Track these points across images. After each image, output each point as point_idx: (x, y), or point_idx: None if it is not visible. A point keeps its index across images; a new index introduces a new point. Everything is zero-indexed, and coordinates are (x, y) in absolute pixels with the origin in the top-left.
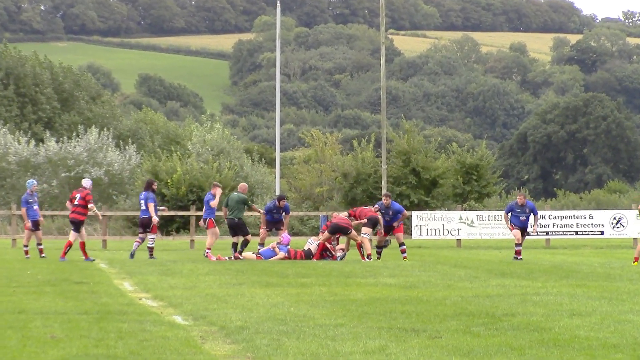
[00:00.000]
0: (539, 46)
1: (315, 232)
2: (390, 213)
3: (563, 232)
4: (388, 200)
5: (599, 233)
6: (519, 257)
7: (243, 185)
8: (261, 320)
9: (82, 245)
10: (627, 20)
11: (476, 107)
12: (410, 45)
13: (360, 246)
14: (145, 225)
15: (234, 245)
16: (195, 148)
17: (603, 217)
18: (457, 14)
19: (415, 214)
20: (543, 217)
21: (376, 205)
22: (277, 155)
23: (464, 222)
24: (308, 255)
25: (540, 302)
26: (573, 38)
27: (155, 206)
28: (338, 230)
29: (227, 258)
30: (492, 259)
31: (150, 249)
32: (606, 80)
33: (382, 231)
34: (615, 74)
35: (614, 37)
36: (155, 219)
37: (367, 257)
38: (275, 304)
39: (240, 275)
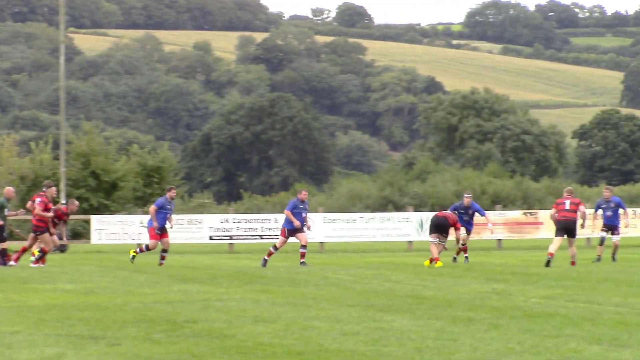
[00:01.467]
0: (224, 45)
1: None
2: (470, 212)
3: (247, 236)
4: (468, 200)
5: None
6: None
7: (7, 189)
8: None
9: None
10: (315, 18)
11: (158, 107)
12: (91, 44)
13: None
14: None
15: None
16: None
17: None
18: (139, 12)
19: (94, 218)
20: (226, 220)
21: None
22: None
23: (145, 227)
24: None
25: (223, 308)
26: (259, 36)
27: None
28: None
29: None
30: (174, 264)
31: None
32: (293, 79)
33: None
34: (303, 73)
35: (301, 35)
36: None
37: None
38: None
39: None
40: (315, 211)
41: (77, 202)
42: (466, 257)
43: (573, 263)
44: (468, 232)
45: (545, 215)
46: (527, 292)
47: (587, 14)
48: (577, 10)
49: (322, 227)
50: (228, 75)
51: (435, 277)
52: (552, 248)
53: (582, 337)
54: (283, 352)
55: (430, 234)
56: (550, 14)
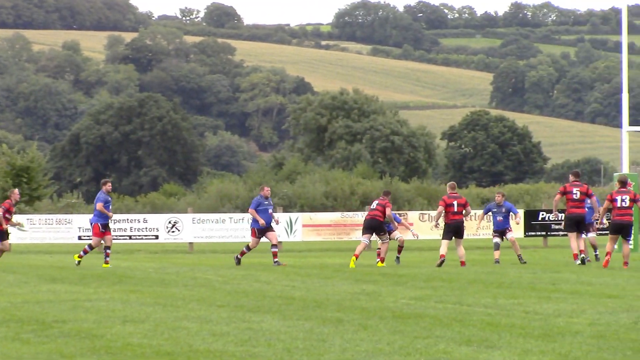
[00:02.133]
0: (93, 44)
1: None
2: (504, 211)
3: (116, 236)
4: (500, 199)
5: (154, 237)
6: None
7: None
8: None
9: None
10: (184, 18)
11: (27, 107)
12: None
13: None
14: None
15: None
16: None
17: (158, 221)
18: (8, 11)
19: None
20: None
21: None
22: None
23: (14, 227)
24: None
25: (92, 308)
26: (128, 36)
27: None
28: None
29: None
30: (43, 264)
31: None
32: (162, 79)
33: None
34: (172, 73)
35: (170, 35)
36: None
37: None
38: None
39: None
40: (185, 211)
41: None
42: (397, 258)
43: (463, 263)
44: (508, 230)
45: (414, 216)
46: (396, 293)
47: (457, 15)
48: (446, 11)
49: (191, 228)
50: (97, 75)
51: (304, 278)
52: (443, 250)
53: (452, 338)
54: (152, 353)
55: (362, 234)
56: (420, 15)
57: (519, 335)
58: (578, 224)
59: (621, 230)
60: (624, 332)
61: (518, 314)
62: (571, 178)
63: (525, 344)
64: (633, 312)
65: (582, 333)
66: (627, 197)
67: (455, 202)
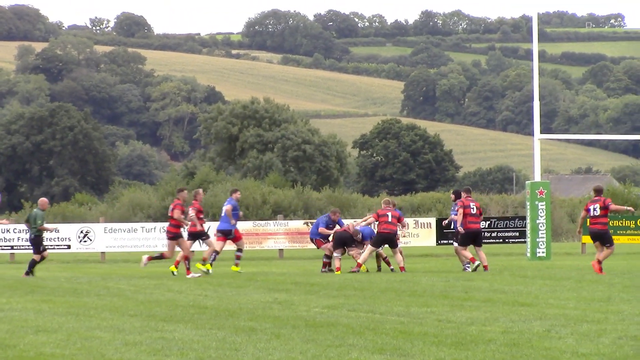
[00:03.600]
0: (4, 55)
1: None
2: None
3: (28, 246)
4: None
5: (66, 247)
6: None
7: (42, 200)
8: None
9: None
10: (94, 28)
11: None
12: None
13: None
14: None
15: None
16: None
17: (70, 230)
18: None
19: None
20: (8, 231)
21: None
22: None
23: None
24: None
25: (4, 318)
26: (39, 46)
27: None
28: None
29: None
30: None
31: None
32: (73, 89)
33: None
34: (83, 83)
35: (81, 45)
36: None
37: None
38: None
39: None
40: (97, 221)
41: None
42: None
43: (402, 269)
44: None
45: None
46: (309, 302)
47: (367, 24)
48: (356, 19)
49: (103, 237)
50: (7, 85)
51: (216, 287)
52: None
53: (365, 346)
54: None
55: (335, 249)
56: (330, 23)
57: (432, 344)
58: (475, 238)
59: (597, 238)
60: (537, 340)
61: (431, 322)
62: (384, 206)
63: (438, 353)
64: (546, 320)
65: (495, 341)
66: (597, 206)
67: (389, 213)
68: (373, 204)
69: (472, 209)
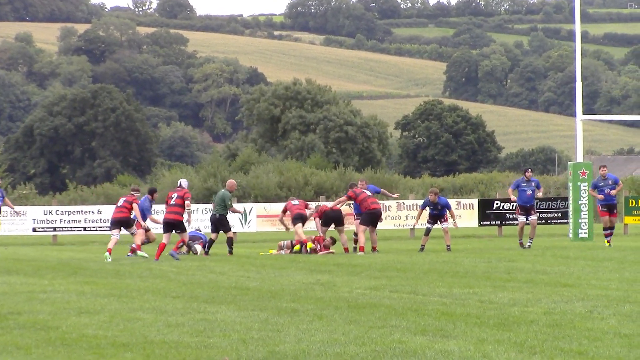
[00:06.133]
0: (46, 36)
1: None
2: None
3: (71, 227)
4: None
5: (109, 229)
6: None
7: (230, 182)
8: None
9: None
10: (137, 9)
11: None
12: None
13: None
14: None
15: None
16: None
17: (110, 211)
18: None
19: None
20: (50, 212)
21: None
22: None
23: None
24: None
25: (47, 299)
26: (81, 28)
27: None
28: None
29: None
30: None
31: None
32: (115, 70)
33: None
34: (125, 64)
35: (123, 26)
36: None
37: None
38: None
39: None
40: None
41: None
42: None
43: (374, 249)
44: (443, 220)
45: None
46: (351, 283)
47: (409, 5)
48: (399, 0)
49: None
50: (50, 67)
51: (259, 269)
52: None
53: (407, 327)
54: (107, 344)
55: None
56: (372, 4)
57: (474, 325)
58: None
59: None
60: (579, 320)
61: (473, 304)
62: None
63: (480, 333)
64: (588, 300)
65: (538, 322)
66: None
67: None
68: (414, 185)
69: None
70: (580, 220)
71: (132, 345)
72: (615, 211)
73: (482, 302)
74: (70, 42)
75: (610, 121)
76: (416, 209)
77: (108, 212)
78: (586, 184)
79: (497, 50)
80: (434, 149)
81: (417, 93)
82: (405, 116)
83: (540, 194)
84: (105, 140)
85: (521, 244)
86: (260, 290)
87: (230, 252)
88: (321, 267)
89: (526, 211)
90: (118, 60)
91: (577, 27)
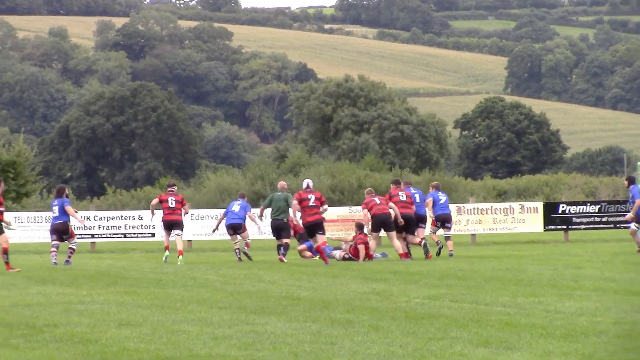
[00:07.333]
0: (82, 31)
1: None
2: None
3: (110, 234)
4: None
5: (150, 235)
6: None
7: (281, 184)
8: None
9: None
10: (178, 2)
11: (13, 98)
12: None
13: None
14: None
15: (279, 247)
16: None
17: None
18: None
19: None
20: (88, 218)
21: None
22: None
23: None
24: None
25: (85, 311)
26: (119, 22)
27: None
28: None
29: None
30: (32, 264)
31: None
32: (155, 67)
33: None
34: (166, 60)
35: (164, 20)
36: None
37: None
38: None
39: None
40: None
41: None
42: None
43: (405, 255)
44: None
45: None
46: (409, 292)
47: None
48: None
49: (190, 225)
50: (86, 63)
51: (311, 277)
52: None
53: (469, 339)
54: (150, 358)
55: (373, 231)
56: None
57: (539, 336)
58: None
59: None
60: None
61: (538, 313)
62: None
63: (546, 345)
64: None
65: (607, 333)
66: None
67: (376, 198)
68: (475, 187)
69: (400, 197)
70: None
71: (176, 359)
72: None
73: (548, 312)
74: (107, 37)
75: None
76: (478, 213)
77: (148, 218)
78: None
79: (561, 44)
80: (495, 149)
81: (476, 90)
82: (464, 114)
83: None
84: (145, 141)
85: None
86: (312, 300)
87: (283, 258)
88: (376, 275)
89: None
90: (158, 56)
91: None
